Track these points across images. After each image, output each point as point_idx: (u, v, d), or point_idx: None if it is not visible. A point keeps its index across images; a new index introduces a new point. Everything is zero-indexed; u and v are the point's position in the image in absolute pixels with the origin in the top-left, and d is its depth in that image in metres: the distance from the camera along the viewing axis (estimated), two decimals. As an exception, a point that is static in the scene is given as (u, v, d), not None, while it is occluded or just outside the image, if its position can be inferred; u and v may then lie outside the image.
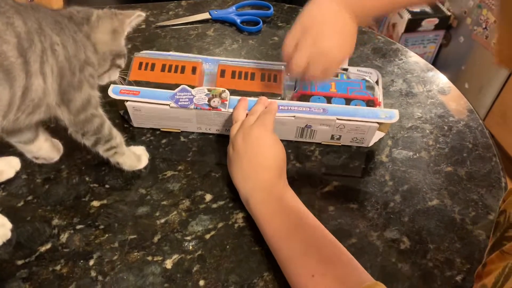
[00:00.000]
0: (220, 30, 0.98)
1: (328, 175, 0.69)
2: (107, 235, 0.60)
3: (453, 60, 1.90)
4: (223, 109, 0.68)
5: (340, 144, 0.73)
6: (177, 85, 0.70)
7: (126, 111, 0.72)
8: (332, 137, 0.71)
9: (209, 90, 0.70)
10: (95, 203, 0.63)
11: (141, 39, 0.95)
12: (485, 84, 1.75)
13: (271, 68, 0.76)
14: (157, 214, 0.62)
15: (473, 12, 1.73)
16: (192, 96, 0.69)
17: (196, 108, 0.68)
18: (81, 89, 0.57)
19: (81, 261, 0.57)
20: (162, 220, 0.62)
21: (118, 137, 0.64)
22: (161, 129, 0.74)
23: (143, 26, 0.98)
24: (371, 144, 0.73)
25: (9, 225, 0.59)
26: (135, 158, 0.67)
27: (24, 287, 0.54)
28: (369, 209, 0.64)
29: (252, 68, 0.76)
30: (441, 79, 0.88)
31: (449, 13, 1.85)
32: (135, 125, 0.74)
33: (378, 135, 0.73)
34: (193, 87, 0.70)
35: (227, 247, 0.59)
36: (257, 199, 0.59)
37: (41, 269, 0.56)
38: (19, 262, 0.56)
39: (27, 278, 0.55)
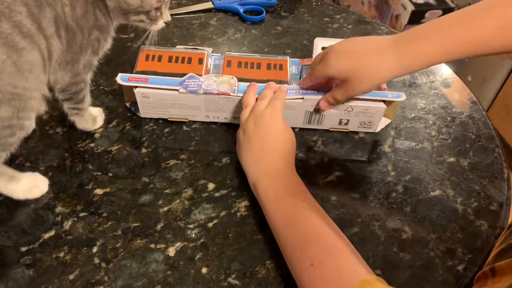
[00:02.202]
0: (223, 20, 0.98)
1: (331, 164, 0.69)
2: (110, 222, 0.60)
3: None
4: (232, 94, 0.68)
5: (347, 130, 0.73)
6: (184, 75, 0.70)
7: (133, 103, 0.72)
8: (340, 122, 0.72)
9: (217, 77, 0.70)
10: (98, 191, 0.64)
11: (143, 28, 0.94)
12: (488, 77, 1.74)
13: (277, 58, 0.77)
14: (160, 202, 0.63)
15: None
16: (200, 83, 0.69)
17: (205, 93, 0.68)
18: (86, 51, 0.61)
19: (85, 248, 0.57)
20: (165, 208, 0.62)
21: (87, 103, 0.68)
22: (168, 119, 0.73)
23: (146, 15, 0.98)
24: (378, 129, 0.73)
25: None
26: (91, 120, 0.71)
27: (28, 274, 0.54)
28: (371, 199, 0.64)
29: (257, 58, 0.77)
30: (444, 71, 0.87)
31: (453, 5, 1.84)
32: (142, 115, 0.73)
33: (384, 121, 0.74)
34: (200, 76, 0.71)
35: (230, 235, 0.59)
36: (265, 183, 0.59)
37: (44, 255, 0.56)
38: (23, 249, 0.57)
39: (30, 265, 0.55)
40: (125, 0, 0.60)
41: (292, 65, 0.77)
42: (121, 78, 0.69)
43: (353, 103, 0.69)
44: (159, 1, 0.63)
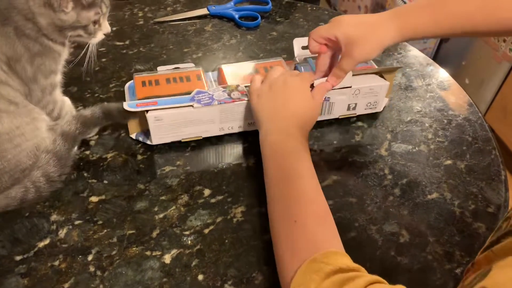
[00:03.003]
0: (218, 26, 0.98)
1: (327, 169, 0.68)
2: (105, 230, 0.60)
3: (454, 55, 1.90)
4: (245, 99, 0.68)
5: (355, 115, 0.76)
6: (188, 93, 0.69)
7: (139, 133, 0.71)
8: (349, 108, 0.74)
9: (224, 87, 0.70)
10: (94, 199, 0.63)
11: (139, 35, 0.94)
12: (485, 79, 1.74)
13: (271, 61, 0.77)
14: (156, 209, 0.62)
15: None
16: (211, 95, 0.68)
17: (220, 103, 0.67)
18: (36, 80, 0.60)
19: (80, 256, 0.57)
20: (161, 215, 0.62)
21: (68, 117, 0.67)
22: (181, 140, 0.71)
23: (141, 22, 0.98)
24: (381, 108, 0.77)
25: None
26: None
27: (23, 283, 0.54)
28: (368, 202, 0.64)
29: (252, 64, 0.77)
30: (440, 73, 0.87)
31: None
32: (154, 142, 0.70)
33: (385, 100, 0.77)
34: None
35: (226, 241, 0.59)
36: (275, 137, 0.61)
37: (39, 264, 0.56)
38: (18, 258, 0.56)
39: (25, 274, 0.55)
40: (58, 16, 0.57)
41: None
42: (129, 105, 0.65)
43: (359, 85, 0.71)
44: (97, 13, 0.61)
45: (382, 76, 0.74)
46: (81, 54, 0.64)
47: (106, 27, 0.64)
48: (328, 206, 0.55)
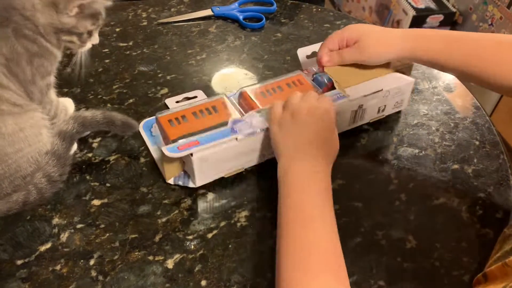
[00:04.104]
0: (222, 27, 0.97)
1: (333, 173, 0.67)
2: (107, 234, 0.59)
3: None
4: None
5: (383, 116, 0.76)
6: (222, 124, 0.65)
7: (178, 177, 0.65)
8: (379, 110, 0.73)
9: (257, 111, 0.65)
10: (96, 202, 0.63)
11: (142, 36, 0.94)
12: (491, 81, 1.73)
13: (290, 76, 0.74)
14: (159, 213, 0.61)
15: (479, 9, 1.72)
16: (249, 122, 0.64)
17: (263, 130, 0.64)
18: (35, 82, 0.60)
19: (82, 260, 0.56)
20: (164, 219, 0.61)
21: (62, 115, 0.67)
22: (225, 176, 0.66)
23: (145, 23, 0.98)
24: (406, 105, 0.77)
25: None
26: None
27: (24, 287, 0.53)
28: (374, 207, 0.63)
29: (273, 82, 0.73)
30: (446, 76, 0.86)
31: (454, 10, 1.83)
32: (198, 184, 0.64)
33: (408, 97, 0.77)
34: None
35: (230, 246, 0.58)
36: (299, 176, 0.56)
37: (41, 269, 0.55)
38: (19, 262, 0.56)
39: (26, 278, 0.54)
40: (59, 18, 0.57)
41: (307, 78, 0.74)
42: (170, 150, 0.59)
43: (388, 86, 0.70)
44: (93, 24, 0.61)
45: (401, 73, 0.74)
46: (73, 62, 0.65)
47: (95, 38, 0.65)
48: (341, 256, 0.50)
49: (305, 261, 0.48)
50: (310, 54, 0.78)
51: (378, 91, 0.69)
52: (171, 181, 0.65)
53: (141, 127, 0.71)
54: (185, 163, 0.63)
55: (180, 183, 0.65)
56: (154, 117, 0.70)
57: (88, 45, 0.64)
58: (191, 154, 0.60)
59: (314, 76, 0.75)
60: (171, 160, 0.62)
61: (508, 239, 0.47)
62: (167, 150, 0.59)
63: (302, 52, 0.78)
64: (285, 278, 0.47)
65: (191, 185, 0.64)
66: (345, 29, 0.67)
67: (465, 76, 0.65)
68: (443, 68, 0.65)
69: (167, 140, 0.65)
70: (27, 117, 0.59)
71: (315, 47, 0.77)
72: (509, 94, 0.63)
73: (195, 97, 0.78)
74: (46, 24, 0.57)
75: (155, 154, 0.68)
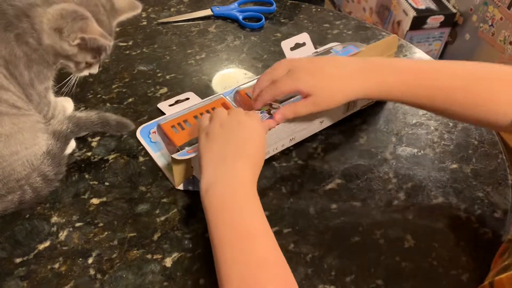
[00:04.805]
0: (222, 27, 0.98)
1: (331, 172, 0.68)
2: (106, 233, 0.59)
3: (459, 58, 1.87)
4: None
5: (373, 102, 0.76)
6: None
7: (188, 181, 0.64)
8: None
9: (258, 110, 0.64)
10: (95, 201, 0.63)
11: (142, 36, 0.94)
12: (491, 81, 1.73)
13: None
14: (157, 211, 0.62)
15: (479, 9, 1.72)
16: None
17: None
18: (33, 86, 0.60)
19: (80, 259, 0.56)
20: (162, 218, 0.61)
21: (60, 116, 0.67)
22: None
23: (144, 23, 0.98)
24: None
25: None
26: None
27: (22, 286, 0.53)
28: (373, 207, 0.63)
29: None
30: (446, 76, 0.86)
31: (454, 10, 1.83)
32: None
33: None
34: None
35: (228, 245, 0.58)
36: (223, 191, 0.52)
37: (39, 267, 0.55)
38: (17, 260, 0.56)
39: (25, 276, 0.54)
40: (60, 44, 0.58)
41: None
42: (180, 154, 0.59)
43: None
44: (94, 58, 0.62)
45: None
46: (64, 82, 0.66)
47: (94, 69, 0.66)
48: (288, 267, 0.48)
49: (253, 275, 0.46)
50: (294, 46, 0.78)
51: None
52: (180, 187, 0.64)
53: (139, 134, 0.72)
54: (193, 168, 0.63)
55: (190, 188, 0.64)
56: (149, 123, 0.70)
57: (85, 73, 0.65)
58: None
59: None
60: (180, 166, 0.61)
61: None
62: (177, 155, 0.59)
63: (286, 45, 0.78)
64: None
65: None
66: (297, 80, 0.61)
67: (432, 109, 0.62)
68: (406, 103, 0.62)
69: (172, 147, 0.64)
70: (25, 120, 0.59)
71: (298, 38, 0.78)
72: (480, 124, 0.64)
73: (187, 99, 0.78)
74: (47, 44, 0.58)
75: (159, 161, 0.68)
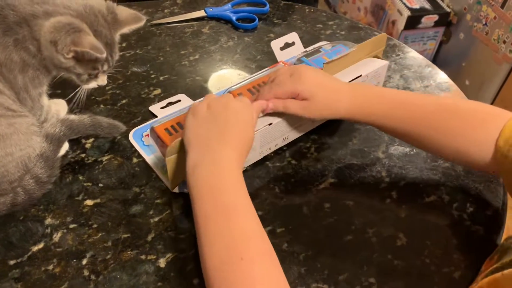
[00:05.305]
0: (215, 28, 0.98)
1: (324, 171, 0.68)
2: (100, 234, 0.59)
3: (453, 57, 1.89)
4: (281, 118, 0.66)
5: None
6: None
7: (182, 185, 0.64)
8: None
9: None
10: (89, 202, 0.63)
11: (136, 37, 0.94)
12: (485, 80, 1.73)
13: (273, 70, 0.73)
14: (151, 212, 0.62)
15: (473, 9, 1.72)
16: None
17: (258, 129, 0.64)
18: (27, 90, 0.60)
19: (74, 260, 0.56)
20: (156, 219, 0.61)
21: (53, 120, 0.66)
22: None
23: (138, 25, 0.98)
24: (382, 85, 0.79)
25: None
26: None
27: (16, 287, 0.54)
28: (365, 205, 0.63)
29: (259, 78, 0.73)
30: (439, 75, 0.87)
31: (448, 10, 1.84)
32: None
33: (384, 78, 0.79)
34: None
35: (221, 245, 0.58)
36: (208, 172, 0.53)
37: (33, 269, 0.55)
38: (11, 262, 0.56)
39: (19, 278, 0.54)
40: (58, 58, 0.58)
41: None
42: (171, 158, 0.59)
43: (367, 71, 0.72)
44: (95, 69, 0.62)
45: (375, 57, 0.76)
46: (72, 94, 0.66)
47: (102, 80, 0.66)
48: (269, 242, 0.49)
49: (239, 249, 0.47)
50: (283, 46, 0.79)
51: (358, 76, 0.71)
52: (176, 189, 0.64)
53: (131, 138, 0.72)
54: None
55: (186, 190, 0.64)
56: (141, 126, 0.70)
57: (93, 85, 0.65)
58: None
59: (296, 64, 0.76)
60: (175, 169, 0.61)
61: (505, 251, 0.46)
62: (168, 159, 0.59)
63: (276, 45, 0.79)
64: (221, 269, 0.46)
65: None
66: (298, 83, 0.62)
67: (406, 139, 0.64)
68: (384, 128, 0.64)
69: (166, 150, 0.64)
70: (20, 121, 0.59)
71: (287, 38, 0.79)
72: (449, 158, 0.66)
73: (179, 100, 0.78)
74: (46, 56, 0.58)
75: (153, 164, 0.68)
